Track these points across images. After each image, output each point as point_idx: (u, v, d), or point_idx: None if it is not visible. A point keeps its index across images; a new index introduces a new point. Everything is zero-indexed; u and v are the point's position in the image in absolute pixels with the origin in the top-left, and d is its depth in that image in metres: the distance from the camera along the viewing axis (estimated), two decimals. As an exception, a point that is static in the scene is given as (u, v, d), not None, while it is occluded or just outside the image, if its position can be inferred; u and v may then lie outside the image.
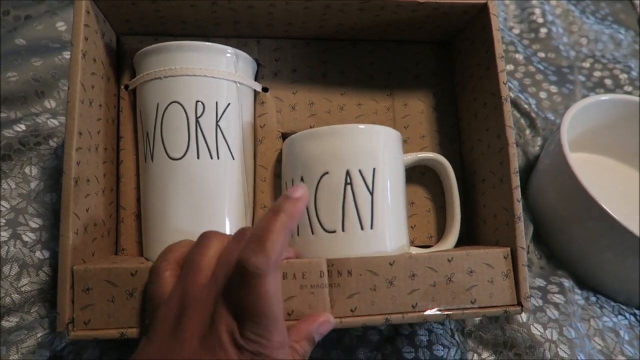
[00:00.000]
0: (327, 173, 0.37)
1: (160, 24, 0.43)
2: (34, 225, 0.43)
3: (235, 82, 0.40)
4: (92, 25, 0.38)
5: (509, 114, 0.40)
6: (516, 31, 0.72)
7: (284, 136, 0.45)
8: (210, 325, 0.27)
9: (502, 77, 0.40)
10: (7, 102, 0.48)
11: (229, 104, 0.39)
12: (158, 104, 0.38)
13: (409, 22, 0.44)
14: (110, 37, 0.43)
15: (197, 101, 0.38)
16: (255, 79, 0.45)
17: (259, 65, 0.45)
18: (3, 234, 0.42)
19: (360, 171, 0.37)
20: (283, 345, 0.28)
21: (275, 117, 0.44)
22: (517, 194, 0.38)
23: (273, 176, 0.44)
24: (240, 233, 0.31)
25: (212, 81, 0.39)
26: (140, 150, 0.41)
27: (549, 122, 0.62)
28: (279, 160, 0.44)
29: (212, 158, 0.38)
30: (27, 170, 0.45)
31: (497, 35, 0.41)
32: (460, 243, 0.44)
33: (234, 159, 0.39)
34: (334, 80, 0.46)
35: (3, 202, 0.44)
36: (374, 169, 0.38)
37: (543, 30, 0.71)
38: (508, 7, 0.76)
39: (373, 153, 0.38)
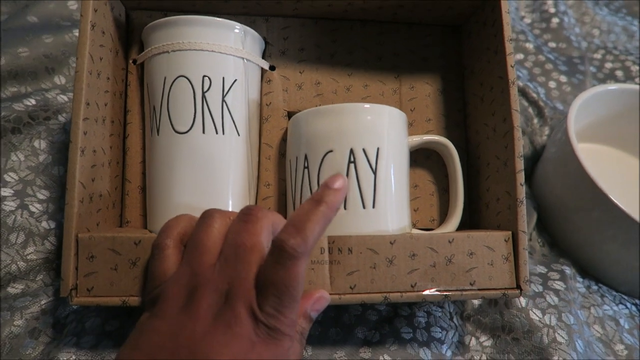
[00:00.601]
0: (331, 151, 0.37)
1: (169, 0, 0.43)
2: (41, 197, 0.44)
3: (243, 58, 0.40)
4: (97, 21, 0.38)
5: (516, 98, 0.39)
6: (527, 20, 0.72)
7: (290, 115, 0.45)
8: (225, 301, 0.27)
9: (510, 60, 0.40)
10: (17, 77, 0.49)
11: (235, 80, 0.39)
12: (165, 78, 0.38)
13: (419, 4, 0.44)
14: (119, 11, 0.43)
15: (204, 76, 0.38)
16: (263, 57, 0.45)
17: (266, 43, 0.45)
18: (11, 203, 0.43)
19: (364, 150, 0.37)
20: (294, 324, 0.28)
21: (282, 96, 0.44)
22: (521, 177, 0.38)
23: (278, 154, 0.44)
24: (246, 211, 0.31)
25: (219, 56, 0.39)
26: (147, 124, 0.41)
27: (557, 111, 0.61)
28: (284, 139, 0.44)
29: (217, 133, 0.38)
30: (36, 143, 0.46)
31: (506, 18, 0.40)
32: (462, 227, 0.44)
33: (239, 135, 0.40)
34: (342, 61, 0.46)
35: (12, 174, 0.44)
36: (378, 148, 0.38)
37: (555, 21, 0.70)
38: None
39: (377, 132, 0.38)
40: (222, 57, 0.39)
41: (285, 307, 0.27)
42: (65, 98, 0.49)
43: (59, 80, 0.50)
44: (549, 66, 0.66)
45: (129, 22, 0.44)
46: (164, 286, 0.29)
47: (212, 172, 0.38)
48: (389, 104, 0.46)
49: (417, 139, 0.42)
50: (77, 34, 0.52)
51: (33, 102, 0.47)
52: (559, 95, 0.64)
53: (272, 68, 0.45)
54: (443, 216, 0.46)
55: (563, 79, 0.64)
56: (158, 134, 0.39)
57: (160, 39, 0.39)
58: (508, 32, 0.40)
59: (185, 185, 0.38)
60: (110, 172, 0.40)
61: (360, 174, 0.37)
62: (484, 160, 0.43)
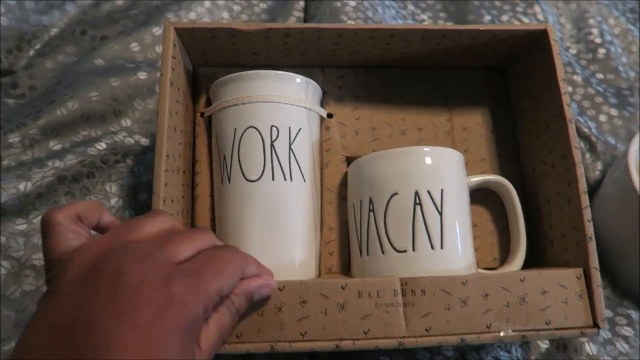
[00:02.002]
0: (396, 194, 0.39)
1: (233, 56, 0.46)
2: None
3: (306, 108, 0.43)
4: (177, 57, 0.41)
5: (574, 135, 0.40)
6: (573, 51, 0.71)
7: (348, 160, 0.46)
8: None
9: (565, 99, 0.41)
10: (89, 121, 0.52)
11: (300, 129, 0.42)
12: (235, 129, 0.41)
13: (468, 49, 0.46)
14: (188, 68, 0.46)
15: (272, 126, 0.40)
16: (321, 106, 0.47)
17: (324, 92, 0.48)
18: None
19: (428, 192, 0.39)
20: (212, 298, 0.27)
21: (340, 142, 0.46)
22: (587, 213, 0.38)
23: (338, 199, 0.46)
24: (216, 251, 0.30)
25: (285, 107, 0.41)
26: (216, 173, 0.43)
27: (610, 146, 0.60)
28: (344, 183, 0.45)
29: (285, 180, 0.40)
30: (107, 187, 0.48)
31: (558, 60, 0.42)
32: (526, 265, 0.44)
33: (305, 181, 0.42)
34: (395, 106, 0.49)
35: None
36: (442, 189, 0.39)
37: (601, 51, 0.70)
38: (564, 27, 0.76)
39: (440, 174, 0.39)
40: (288, 107, 0.41)
41: (209, 275, 0.26)
42: (132, 141, 0.51)
43: (125, 122, 0.53)
44: (598, 99, 0.65)
45: (195, 77, 0.48)
46: (65, 260, 0.26)
47: (281, 217, 0.40)
48: (443, 145, 0.47)
49: (476, 179, 0.43)
50: (141, 77, 0.55)
51: (104, 145, 0.50)
52: (609, 128, 0.63)
53: (329, 116, 0.47)
54: (504, 254, 0.46)
55: (614, 112, 0.64)
56: (229, 182, 0.41)
57: (229, 92, 0.42)
58: (561, 73, 0.42)
59: (256, 230, 0.40)
60: (182, 221, 0.42)
61: (427, 215, 0.38)
62: (544, 197, 0.44)
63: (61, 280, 0.25)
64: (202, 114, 0.45)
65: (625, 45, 0.73)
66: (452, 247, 0.38)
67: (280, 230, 0.40)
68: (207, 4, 0.62)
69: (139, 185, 0.49)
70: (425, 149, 0.40)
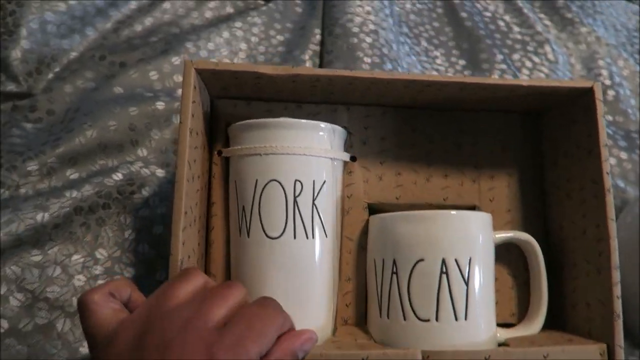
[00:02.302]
0: (422, 260, 0.36)
1: (256, 90, 0.41)
2: (127, 275, 0.45)
3: (331, 158, 0.39)
4: (197, 100, 0.37)
5: (612, 207, 0.37)
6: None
7: (370, 207, 0.43)
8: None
9: (606, 166, 0.37)
10: (106, 150, 0.50)
11: (324, 181, 0.39)
12: (257, 181, 0.38)
13: (506, 98, 0.43)
14: (207, 104, 0.42)
15: (296, 180, 0.37)
16: (344, 146, 0.43)
17: (348, 133, 0.44)
18: (101, 282, 0.43)
19: (456, 260, 0.36)
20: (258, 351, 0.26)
21: (362, 187, 0.43)
22: (618, 290, 0.36)
23: (358, 248, 0.42)
24: (263, 302, 0.29)
25: (310, 159, 0.38)
26: (234, 221, 0.40)
27: (619, 189, 0.58)
28: (364, 232, 0.42)
29: (307, 238, 0.38)
30: (122, 218, 0.46)
31: (601, 122, 0.38)
32: (545, 324, 0.41)
33: (326, 236, 0.39)
34: (422, 150, 0.45)
35: (101, 250, 0.45)
36: (470, 258, 0.36)
37: (611, 93, 0.67)
38: (574, 67, 0.76)
39: (469, 241, 0.37)
40: (314, 160, 0.38)
41: (250, 338, 0.26)
42: (148, 172, 0.49)
43: (142, 152, 0.51)
44: (608, 142, 0.66)
45: (212, 110, 0.44)
46: (110, 337, 0.27)
47: (301, 275, 0.38)
48: (469, 193, 0.45)
49: (502, 236, 0.40)
50: (159, 107, 0.53)
51: (120, 176, 0.48)
52: (619, 172, 0.60)
53: (353, 159, 0.43)
54: (522, 309, 0.43)
55: (623, 155, 0.61)
56: (248, 236, 0.38)
57: (251, 139, 0.38)
58: (604, 137, 0.38)
59: (275, 288, 0.37)
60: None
61: (453, 285, 0.36)
62: (570, 259, 0.41)
63: (108, 356, 0.26)
64: (219, 153, 0.42)
65: (634, 87, 0.70)
66: (476, 318, 0.36)
67: (299, 287, 0.38)
68: (226, 34, 0.60)
69: (154, 217, 0.47)
70: (454, 212, 0.37)
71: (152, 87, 0.56)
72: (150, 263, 0.46)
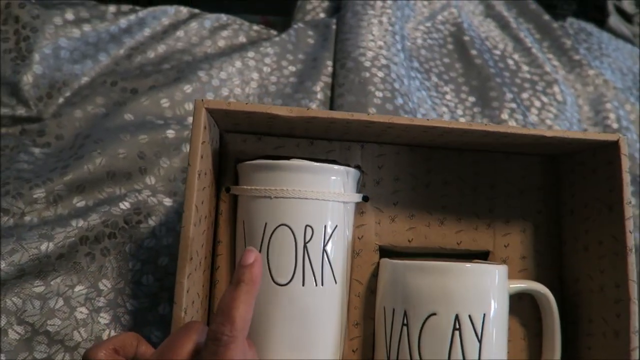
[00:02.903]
0: (434, 314, 0.34)
1: (268, 126, 0.39)
2: (130, 308, 0.43)
3: (343, 202, 0.37)
4: (206, 140, 0.36)
5: (633, 267, 0.35)
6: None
7: (381, 249, 0.41)
8: None
9: (629, 224, 0.36)
10: (114, 178, 0.48)
11: (336, 226, 0.37)
12: (266, 224, 0.36)
13: (528, 145, 0.41)
14: (216, 139, 0.40)
15: (307, 225, 0.35)
16: (357, 186, 0.41)
17: (361, 171, 0.42)
18: (103, 315, 0.42)
19: (470, 317, 0.34)
20: None
21: (374, 229, 0.42)
22: (635, 354, 0.34)
23: (367, 291, 0.40)
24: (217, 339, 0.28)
25: (322, 204, 0.36)
26: None
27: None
28: (374, 275, 0.41)
29: (316, 285, 0.36)
30: (127, 248, 0.45)
31: (626, 178, 0.36)
32: None
33: (336, 283, 0.37)
34: (437, 191, 0.43)
35: (105, 281, 0.43)
36: (484, 314, 0.34)
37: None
38: (582, 109, 0.75)
39: (484, 297, 0.35)
40: (326, 204, 0.36)
41: None
42: (156, 200, 0.48)
43: (150, 180, 0.49)
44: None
45: (222, 144, 0.41)
46: None
47: (308, 324, 0.36)
48: (483, 238, 0.43)
49: (517, 287, 0.38)
50: (169, 135, 0.51)
51: (127, 205, 0.46)
52: None
53: (365, 199, 0.41)
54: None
55: (633, 201, 0.60)
56: None
57: (261, 180, 0.36)
58: (627, 194, 0.36)
59: (280, 336, 0.35)
60: (201, 310, 0.37)
61: (465, 342, 0.34)
62: (585, 314, 0.39)
63: None
64: (227, 189, 0.40)
65: (640, 132, 0.72)
66: None
67: (306, 336, 0.36)
68: (238, 64, 0.59)
69: (160, 248, 0.46)
70: (468, 265, 0.35)
71: (162, 114, 0.54)
72: (154, 295, 0.44)
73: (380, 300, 0.39)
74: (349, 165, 0.40)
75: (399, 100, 0.59)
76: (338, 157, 0.41)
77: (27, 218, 0.45)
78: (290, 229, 0.35)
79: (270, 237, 0.35)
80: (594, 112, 0.72)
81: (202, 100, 0.34)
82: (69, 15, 0.58)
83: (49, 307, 0.40)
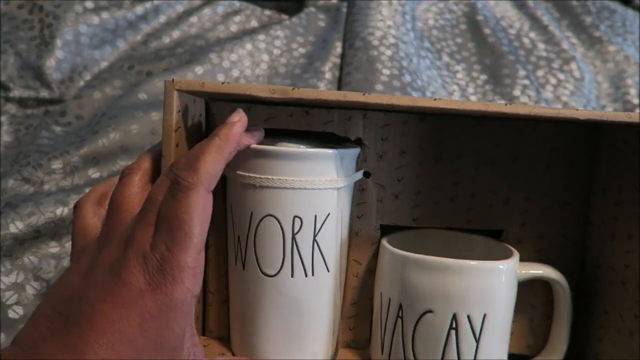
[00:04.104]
0: (430, 311, 0.30)
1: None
2: None
3: (337, 188, 0.32)
4: (181, 125, 0.30)
5: None
6: (609, 110, 0.69)
7: (382, 228, 0.36)
8: (123, 250, 0.24)
9: None
10: (127, 152, 0.49)
11: (328, 215, 0.32)
12: (252, 214, 0.32)
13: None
14: (200, 111, 0.34)
15: (295, 216, 0.31)
16: (357, 161, 0.36)
17: (362, 145, 0.36)
18: None
19: (468, 317, 0.29)
20: (190, 273, 0.23)
21: (375, 207, 0.37)
22: None
23: (366, 272, 0.36)
24: (175, 180, 0.26)
25: (312, 193, 0.31)
26: (230, 250, 0.34)
27: None
28: (374, 256, 0.36)
29: (306, 276, 0.32)
30: None
31: None
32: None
33: (328, 271, 0.33)
34: (448, 166, 0.37)
35: None
36: (485, 314, 0.29)
37: (637, 112, 0.70)
38: (601, 85, 0.72)
39: (486, 297, 0.30)
40: (316, 193, 0.31)
41: (177, 245, 0.23)
42: None
43: None
44: None
45: (208, 114, 0.36)
46: (85, 245, 0.26)
47: (299, 315, 0.32)
48: (497, 216, 0.37)
49: (528, 274, 0.33)
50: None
51: None
52: None
53: (366, 174, 0.36)
54: (539, 342, 0.37)
55: None
56: (244, 269, 0.32)
57: (246, 165, 0.32)
58: None
59: (272, 325, 0.32)
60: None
61: (462, 341, 0.29)
62: (601, 305, 0.34)
63: (76, 261, 0.25)
64: None
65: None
66: None
67: (298, 326, 0.32)
68: (249, 46, 0.57)
69: None
70: (472, 263, 0.30)
71: None
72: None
73: (378, 285, 0.35)
74: (347, 139, 0.35)
75: (407, 78, 0.59)
76: (337, 128, 0.36)
77: (46, 187, 0.47)
78: (277, 219, 0.31)
79: (256, 227, 0.32)
80: (614, 88, 0.69)
81: (173, 80, 0.28)
82: (89, 4, 0.61)
83: (63, 266, 0.43)
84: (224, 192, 0.35)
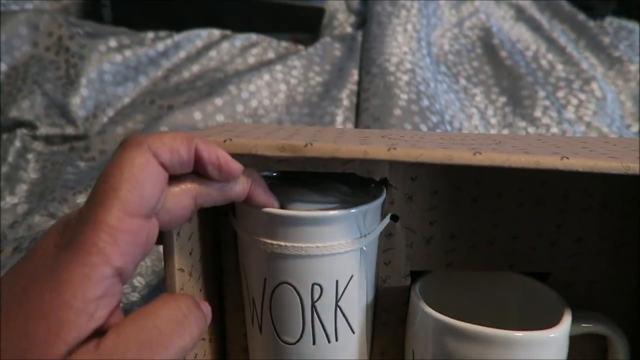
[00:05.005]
0: None
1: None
2: None
3: (361, 248, 0.28)
4: None
5: None
6: (634, 129, 0.69)
7: (413, 274, 0.33)
8: None
9: None
10: None
11: (351, 277, 0.28)
12: (265, 280, 0.28)
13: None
14: None
15: (314, 284, 0.28)
16: (384, 203, 0.31)
17: (389, 186, 0.32)
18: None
19: None
20: (110, 233, 0.17)
21: (405, 253, 0.33)
22: None
23: (394, 320, 0.32)
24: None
25: (332, 258, 0.27)
26: (247, 308, 0.30)
27: None
28: (404, 303, 0.32)
29: (329, 342, 0.29)
30: (160, 249, 0.49)
31: None
32: None
33: (354, 333, 0.29)
34: (487, 207, 0.32)
35: (139, 278, 0.42)
36: None
37: None
38: (624, 105, 0.65)
39: None
40: (336, 258, 0.28)
41: (98, 201, 0.18)
42: None
43: None
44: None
45: None
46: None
47: None
48: (542, 261, 0.33)
49: (582, 329, 0.29)
50: None
51: None
52: None
53: (394, 218, 0.32)
54: None
55: None
56: (261, 333, 0.29)
57: (256, 226, 0.28)
58: None
59: None
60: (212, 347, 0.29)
61: None
62: None
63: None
64: (226, 214, 0.31)
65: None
66: None
67: None
68: (266, 77, 0.56)
69: None
70: (518, 335, 0.26)
71: (195, 125, 0.52)
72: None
73: (410, 340, 0.31)
74: (372, 180, 0.31)
75: (425, 102, 0.58)
76: (358, 168, 0.32)
77: (72, 222, 0.48)
78: (294, 287, 0.28)
79: (271, 294, 0.29)
80: (638, 107, 0.69)
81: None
82: (112, 43, 0.62)
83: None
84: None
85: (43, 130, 0.51)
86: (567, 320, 0.28)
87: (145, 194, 0.20)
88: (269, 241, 0.28)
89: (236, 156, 0.25)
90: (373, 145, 0.24)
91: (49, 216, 0.43)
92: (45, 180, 0.48)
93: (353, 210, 0.28)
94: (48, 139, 0.51)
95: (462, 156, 0.24)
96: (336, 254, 0.28)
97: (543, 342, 0.28)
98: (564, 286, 0.34)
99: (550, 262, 0.34)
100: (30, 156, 0.49)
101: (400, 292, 0.34)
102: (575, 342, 0.32)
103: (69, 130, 0.50)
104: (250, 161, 0.26)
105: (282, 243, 0.28)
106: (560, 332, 0.28)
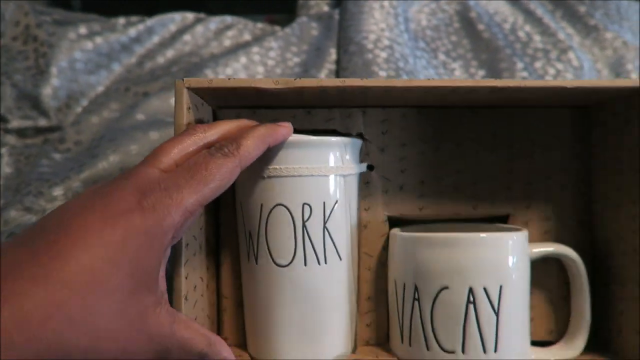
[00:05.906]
0: (446, 288, 0.31)
1: (258, 100, 0.37)
2: None
3: (343, 175, 0.34)
4: (191, 120, 0.33)
5: None
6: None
7: (390, 219, 0.38)
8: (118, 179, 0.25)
9: None
10: None
11: (336, 202, 0.34)
12: (262, 205, 0.33)
13: (546, 97, 0.36)
14: (208, 118, 0.37)
15: (304, 204, 0.33)
16: (360, 155, 0.38)
17: (364, 139, 0.39)
18: None
19: (485, 289, 0.30)
20: (185, 215, 0.24)
21: (381, 199, 0.38)
22: None
23: (378, 265, 0.37)
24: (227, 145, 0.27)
25: (319, 180, 0.33)
26: (242, 246, 0.36)
27: None
28: (384, 248, 0.38)
29: (319, 264, 0.33)
30: None
31: None
32: (587, 346, 0.35)
33: (341, 259, 0.34)
34: (449, 155, 0.39)
35: None
36: (501, 286, 0.31)
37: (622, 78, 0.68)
38: (601, 73, 0.71)
39: (500, 268, 0.31)
40: (323, 180, 0.33)
41: (189, 185, 0.24)
42: None
43: None
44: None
45: (215, 118, 0.39)
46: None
47: (315, 304, 0.33)
48: (502, 201, 0.39)
49: (540, 251, 0.34)
50: None
51: None
52: None
53: (370, 168, 0.38)
54: (561, 326, 0.37)
55: None
56: (257, 263, 0.34)
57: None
58: None
59: (288, 317, 0.33)
60: (207, 292, 0.35)
61: (481, 315, 0.30)
62: (617, 278, 0.35)
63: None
64: None
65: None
66: (507, 350, 0.31)
67: (315, 316, 0.33)
68: (243, 60, 0.59)
69: None
70: (483, 235, 0.31)
71: (172, 112, 0.57)
72: (169, 279, 0.45)
73: (391, 273, 0.36)
74: (350, 134, 0.37)
75: (404, 78, 0.59)
76: (338, 125, 0.39)
77: (48, 215, 0.47)
78: (287, 208, 0.33)
79: (267, 219, 0.33)
80: (614, 74, 0.69)
81: (183, 80, 0.32)
82: (82, 30, 0.61)
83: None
84: (233, 194, 0.37)
85: (15, 123, 0.50)
86: (524, 231, 0.34)
87: (218, 193, 0.27)
88: (264, 166, 0.33)
89: (234, 89, 0.33)
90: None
91: (24, 210, 0.42)
92: (19, 174, 0.47)
93: (337, 139, 0.34)
94: (20, 132, 0.50)
95: (420, 82, 0.32)
96: (322, 176, 0.34)
97: (504, 241, 0.33)
98: (522, 225, 0.39)
99: (508, 204, 0.40)
100: (3, 150, 0.48)
101: (380, 236, 0.39)
102: (540, 275, 0.38)
103: (42, 122, 0.50)
104: (250, 95, 0.33)
105: (277, 166, 0.33)
106: (518, 237, 0.33)
